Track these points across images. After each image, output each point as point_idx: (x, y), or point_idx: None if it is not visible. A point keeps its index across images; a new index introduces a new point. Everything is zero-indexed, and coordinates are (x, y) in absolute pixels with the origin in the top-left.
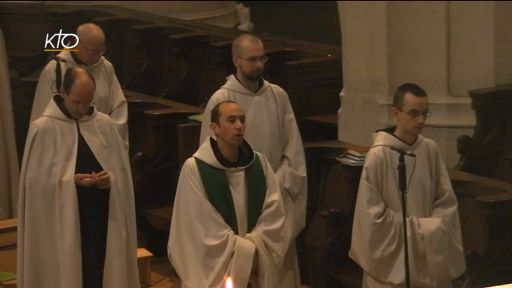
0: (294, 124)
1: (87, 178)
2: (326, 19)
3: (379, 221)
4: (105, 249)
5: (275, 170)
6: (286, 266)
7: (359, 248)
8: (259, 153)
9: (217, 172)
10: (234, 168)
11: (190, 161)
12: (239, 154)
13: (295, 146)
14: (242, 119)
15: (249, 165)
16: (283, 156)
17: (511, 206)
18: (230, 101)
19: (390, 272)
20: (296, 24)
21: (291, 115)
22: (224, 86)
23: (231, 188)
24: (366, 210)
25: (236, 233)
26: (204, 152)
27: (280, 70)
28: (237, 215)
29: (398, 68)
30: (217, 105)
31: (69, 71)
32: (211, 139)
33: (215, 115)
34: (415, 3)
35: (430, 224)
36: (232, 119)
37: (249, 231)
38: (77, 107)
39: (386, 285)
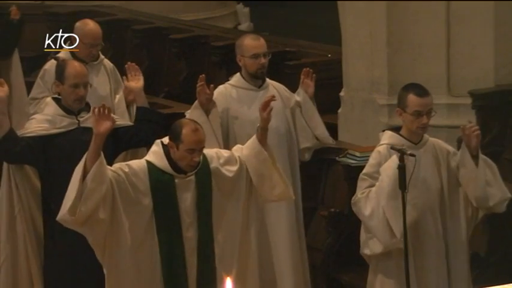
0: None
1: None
2: (326, 19)
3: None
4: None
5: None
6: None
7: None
8: (204, 151)
9: (165, 177)
10: (183, 175)
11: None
12: None
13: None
14: (201, 150)
15: (197, 169)
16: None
17: (511, 206)
18: (196, 129)
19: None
20: (296, 24)
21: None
22: (228, 82)
23: (178, 195)
24: (359, 196)
25: (181, 236)
26: (154, 155)
27: (280, 70)
28: (182, 221)
29: (398, 68)
30: (181, 128)
31: (58, 65)
32: (162, 143)
33: (177, 136)
34: (415, 3)
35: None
36: (191, 151)
37: (200, 234)
38: (76, 92)
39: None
